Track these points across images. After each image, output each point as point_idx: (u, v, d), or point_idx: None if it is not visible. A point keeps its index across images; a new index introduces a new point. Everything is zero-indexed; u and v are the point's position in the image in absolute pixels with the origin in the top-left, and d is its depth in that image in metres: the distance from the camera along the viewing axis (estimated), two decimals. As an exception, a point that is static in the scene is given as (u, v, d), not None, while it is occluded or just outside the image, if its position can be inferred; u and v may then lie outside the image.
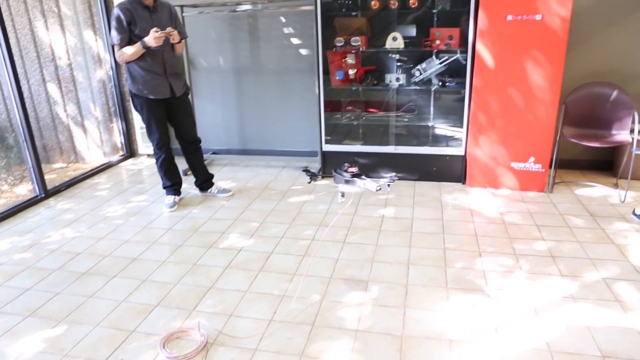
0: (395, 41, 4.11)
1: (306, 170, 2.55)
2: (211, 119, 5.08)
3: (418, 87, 4.28)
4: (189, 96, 3.78)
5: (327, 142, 4.41)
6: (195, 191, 4.29)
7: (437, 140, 4.36)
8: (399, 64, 4.29)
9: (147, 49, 3.34)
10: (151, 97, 3.46)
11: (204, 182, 4.13)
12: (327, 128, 4.36)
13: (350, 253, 3.04)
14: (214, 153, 5.11)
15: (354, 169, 2.35)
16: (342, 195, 2.40)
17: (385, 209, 3.75)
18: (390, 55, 4.28)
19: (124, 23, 3.28)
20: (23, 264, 3.12)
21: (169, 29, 3.33)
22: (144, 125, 3.68)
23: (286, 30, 4.71)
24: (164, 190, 4.03)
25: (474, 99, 3.90)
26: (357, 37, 4.19)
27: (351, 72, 4.40)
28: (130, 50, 3.32)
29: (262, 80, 4.89)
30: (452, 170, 4.19)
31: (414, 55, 4.26)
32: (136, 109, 3.58)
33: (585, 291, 2.55)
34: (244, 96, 4.99)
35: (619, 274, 2.70)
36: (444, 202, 3.82)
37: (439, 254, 2.99)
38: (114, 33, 3.31)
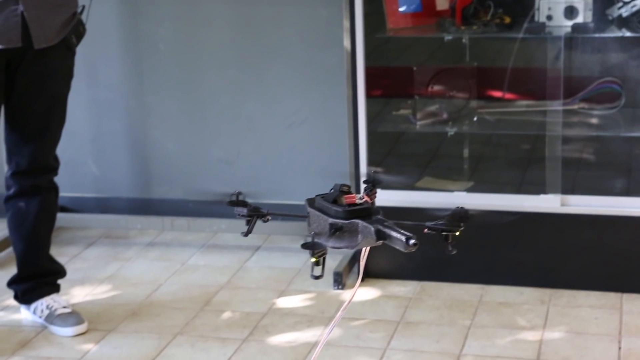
0: None
1: (235, 202, 0.65)
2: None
3: (630, 34, 2.07)
4: (74, 57, 1.74)
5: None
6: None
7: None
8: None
9: None
10: None
11: (37, 280, 1.76)
12: (372, 145, 1.92)
13: None
14: (63, 209, 2.29)
15: (358, 198, 0.73)
16: (317, 264, 0.69)
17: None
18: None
19: None
20: None
21: None
22: None
23: None
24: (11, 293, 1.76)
25: None
26: None
27: (441, -5, 2.16)
28: None
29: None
30: None
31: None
32: None
33: None
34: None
35: None
36: None
37: None
38: None
